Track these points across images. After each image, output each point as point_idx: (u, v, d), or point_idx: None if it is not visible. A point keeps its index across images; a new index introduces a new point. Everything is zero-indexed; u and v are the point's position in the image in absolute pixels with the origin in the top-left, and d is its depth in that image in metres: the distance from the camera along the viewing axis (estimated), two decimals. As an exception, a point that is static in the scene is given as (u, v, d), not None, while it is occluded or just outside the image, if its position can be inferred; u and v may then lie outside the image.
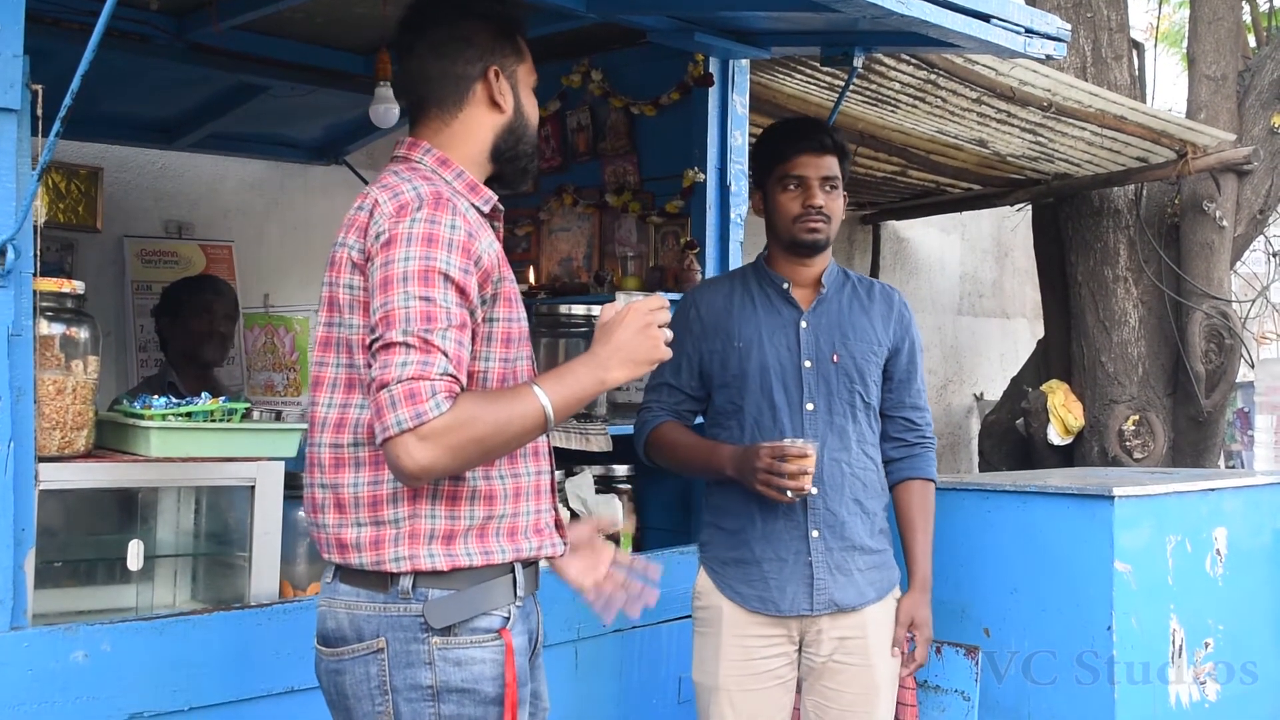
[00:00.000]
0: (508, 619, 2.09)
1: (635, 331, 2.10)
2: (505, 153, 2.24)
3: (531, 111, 2.28)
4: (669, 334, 2.15)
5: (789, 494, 2.82)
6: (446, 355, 1.91)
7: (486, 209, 2.19)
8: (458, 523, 2.06)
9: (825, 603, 2.96)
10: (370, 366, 1.96)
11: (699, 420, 3.21)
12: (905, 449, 3.14)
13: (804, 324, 3.04)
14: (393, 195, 2.05)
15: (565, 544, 2.28)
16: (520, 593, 2.12)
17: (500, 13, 2.24)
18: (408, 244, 1.97)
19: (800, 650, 3.02)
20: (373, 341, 1.95)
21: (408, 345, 1.90)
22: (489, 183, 2.25)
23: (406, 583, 2.03)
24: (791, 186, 3.02)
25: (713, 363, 3.06)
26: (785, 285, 3.07)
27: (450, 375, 1.91)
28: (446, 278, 1.96)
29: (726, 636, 3.00)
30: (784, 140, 3.06)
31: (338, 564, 2.11)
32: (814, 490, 2.86)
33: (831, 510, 2.98)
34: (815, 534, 2.97)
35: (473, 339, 2.04)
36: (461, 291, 1.98)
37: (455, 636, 2.03)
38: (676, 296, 3.90)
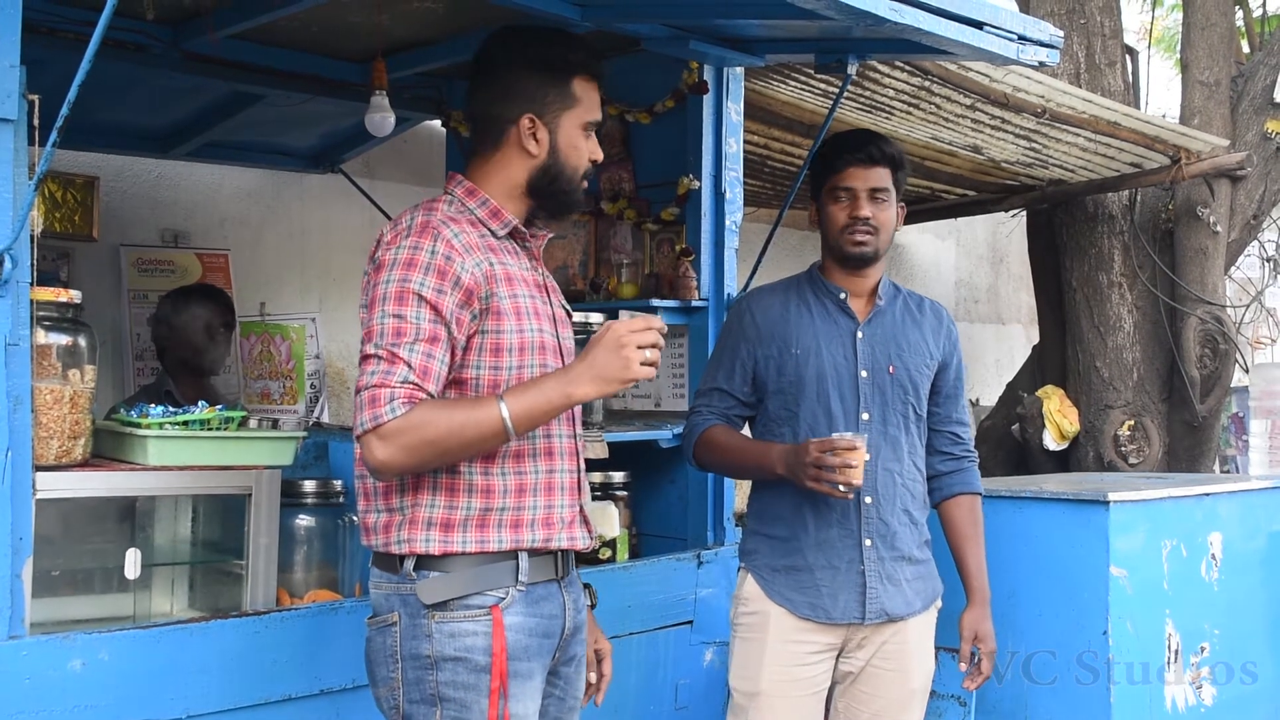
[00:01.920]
0: (503, 599, 2.26)
1: (609, 351, 2.22)
2: (541, 190, 2.42)
3: (571, 154, 2.42)
4: (651, 355, 2.22)
5: (840, 488, 2.82)
6: (410, 366, 2.14)
7: (503, 233, 2.37)
8: (455, 512, 2.26)
9: (877, 612, 2.98)
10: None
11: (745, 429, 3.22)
12: (954, 462, 3.19)
13: (860, 334, 3.06)
14: (393, 226, 2.31)
15: (589, 538, 2.44)
16: (523, 578, 2.29)
17: (554, 58, 2.39)
18: (391, 268, 2.22)
19: (839, 656, 3.04)
20: (360, 354, 2.21)
21: (378, 357, 2.15)
22: (534, 213, 2.45)
23: (409, 565, 2.26)
24: (841, 198, 3.04)
25: (768, 368, 3.07)
26: (843, 295, 3.09)
27: (411, 383, 2.14)
28: (420, 297, 2.18)
29: (773, 643, 3.00)
30: (835, 152, 3.08)
31: (368, 546, 2.37)
32: (859, 484, 2.83)
33: (884, 520, 3.01)
34: (868, 543, 2.99)
35: (465, 349, 2.25)
36: (435, 309, 2.19)
37: (451, 612, 2.25)
38: (673, 304, 3.93)
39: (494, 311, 2.27)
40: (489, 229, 2.35)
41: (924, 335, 3.12)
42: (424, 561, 2.25)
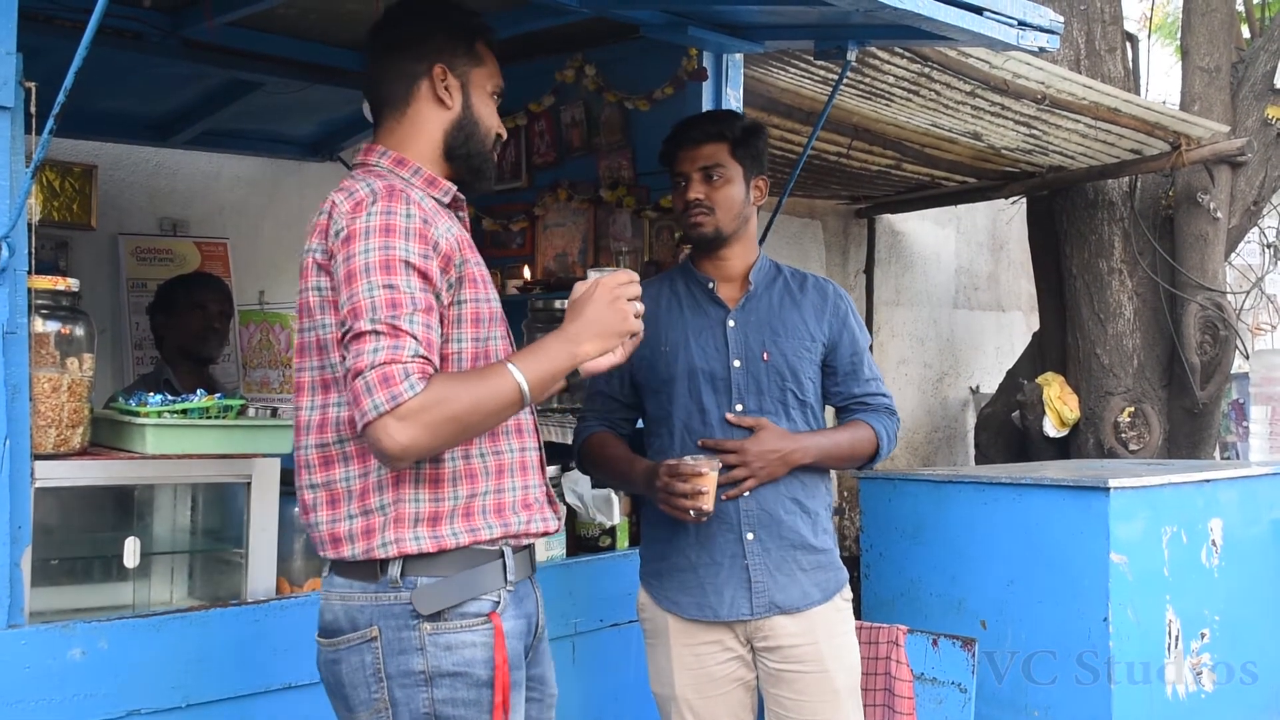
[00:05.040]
0: (498, 603, 2.12)
1: (604, 305, 2.16)
2: (456, 150, 2.29)
3: (484, 113, 2.32)
4: (640, 307, 2.20)
5: (691, 514, 2.74)
6: (416, 338, 1.97)
7: (446, 200, 2.26)
8: (442, 504, 2.11)
9: (766, 605, 2.87)
10: (344, 360, 2.02)
11: (640, 425, 3.13)
12: (855, 413, 3.04)
13: (731, 323, 2.96)
14: (348, 195, 2.11)
15: (558, 520, 2.32)
16: (511, 577, 2.16)
17: (457, 19, 2.31)
18: (366, 237, 2.03)
19: (754, 653, 2.94)
20: (344, 334, 2.01)
21: (377, 332, 1.96)
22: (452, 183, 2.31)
23: (395, 570, 2.08)
24: (681, 184, 2.98)
25: (641, 368, 2.97)
26: (711, 284, 3.00)
27: (422, 357, 1.97)
28: (408, 264, 2.02)
29: (676, 647, 2.93)
30: (667, 142, 3.03)
31: (332, 559, 2.16)
32: (709, 509, 2.74)
33: (767, 510, 2.89)
34: (750, 536, 2.88)
35: (443, 322, 2.10)
36: (424, 276, 2.04)
37: (445, 622, 2.08)
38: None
39: (468, 280, 2.16)
40: (431, 197, 2.23)
41: (804, 316, 2.99)
42: (411, 565, 2.08)
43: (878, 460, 3.05)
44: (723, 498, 2.83)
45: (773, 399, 2.93)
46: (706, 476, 2.72)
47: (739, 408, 2.91)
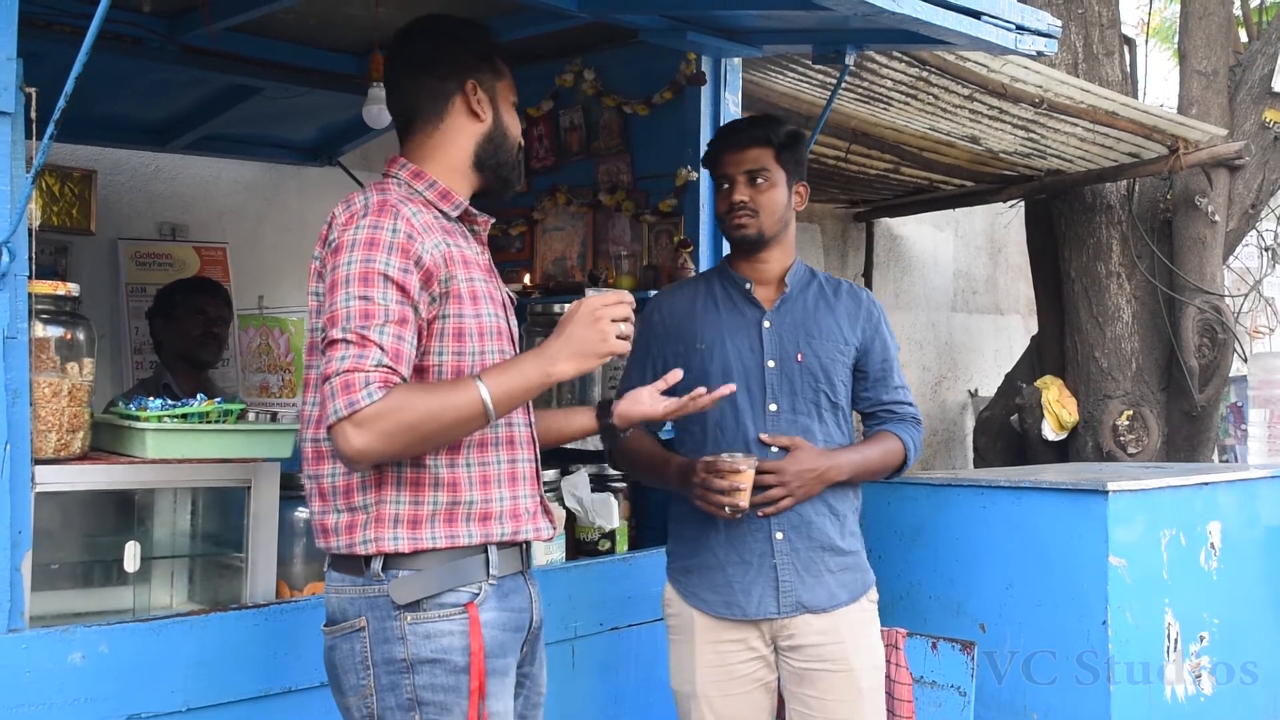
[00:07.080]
0: (477, 595, 2.20)
1: (584, 325, 2.21)
2: (487, 161, 2.39)
3: (511, 125, 2.42)
4: (625, 329, 2.23)
5: (727, 510, 2.76)
6: (383, 348, 2.06)
7: (455, 214, 2.33)
8: (421, 508, 2.19)
9: (793, 605, 2.89)
10: (316, 365, 2.16)
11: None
12: (884, 422, 3.07)
13: (767, 324, 2.99)
14: (346, 207, 2.24)
15: (552, 528, 2.39)
16: (494, 571, 2.23)
17: (476, 35, 2.41)
18: (351, 249, 2.13)
19: (777, 654, 2.95)
20: (321, 340, 2.14)
21: (347, 341, 2.06)
22: (478, 194, 2.40)
23: (377, 565, 2.18)
24: (724, 186, 3.01)
25: (675, 366, 2.93)
26: (748, 285, 3.03)
27: (386, 366, 2.06)
28: (386, 277, 2.11)
29: (700, 644, 2.95)
30: (713, 144, 3.07)
31: (326, 550, 2.27)
32: (745, 506, 2.77)
33: (797, 511, 2.91)
34: (779, 536, 2.90)
35: (426, 334, 2.18)
36: (401, 289, 2.12)
37: (424, 612, 2.17)
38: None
39: (454, 295, 2.21)
40: (440, 211, 2.30)
41: (838, 321, 3.02)
42: (392, 560, 2.17)
43: (904, 470, 3.10)
44: (759, 514, 2.87)
45: (805, 400, 2.97)
46: (744, 474, 2.76)
47: (772, 407, 2.94)
